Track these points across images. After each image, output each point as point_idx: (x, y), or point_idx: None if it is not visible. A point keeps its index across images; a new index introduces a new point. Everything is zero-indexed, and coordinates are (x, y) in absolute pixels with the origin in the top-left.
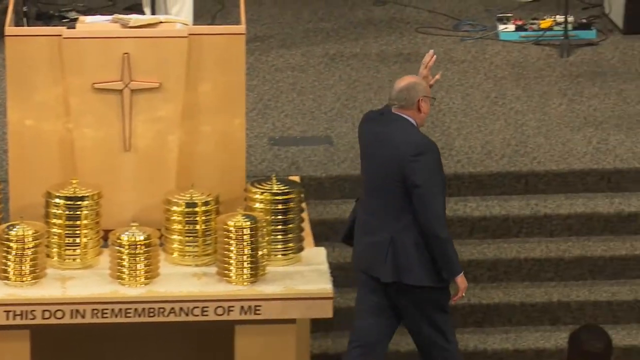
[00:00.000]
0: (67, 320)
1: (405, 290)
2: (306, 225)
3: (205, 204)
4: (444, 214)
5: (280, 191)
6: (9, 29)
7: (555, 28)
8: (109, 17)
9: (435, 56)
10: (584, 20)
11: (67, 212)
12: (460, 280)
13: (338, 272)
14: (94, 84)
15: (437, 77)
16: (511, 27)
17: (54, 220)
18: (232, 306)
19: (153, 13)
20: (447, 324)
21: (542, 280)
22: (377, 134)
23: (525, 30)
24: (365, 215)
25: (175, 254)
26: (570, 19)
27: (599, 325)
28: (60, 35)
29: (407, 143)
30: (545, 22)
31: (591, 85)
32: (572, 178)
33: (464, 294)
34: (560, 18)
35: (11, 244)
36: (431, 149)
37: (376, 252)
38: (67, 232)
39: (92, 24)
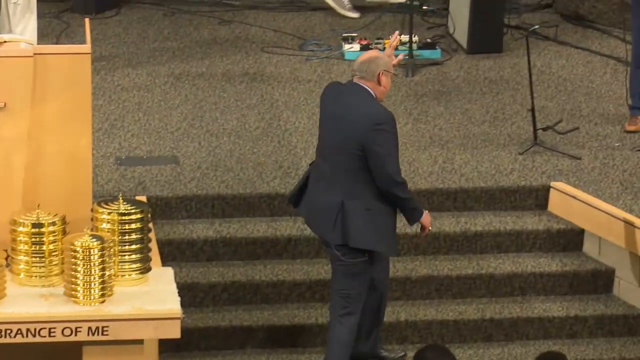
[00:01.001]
0: None
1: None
2: (153, 245)
3: (52, 224)
4: (399, 169)
5: (127, 211)
6: None
7: (400, 47)
8: None
9: (400, 37)
10: (429, 40)
11: None
12: (426, 220)
13: (185, 292)
14: None
15: (400, 57)
16: (356, 46)
17: None
18: (80, 327)
19: None
20: (352, 298)
21: (390, 300)
22: (338, 102)
23: (370, 49)
24: (318, 179)
25: (22, 275)
26: (415, 38)
27: (444, 344)
28: None
29: (368, 114)
30: None
31: (436, 104)
32: (418, 197)
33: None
34: (405, 37)
35: None
36: (390, 118)
37: (327, 215)
38: None
39: None
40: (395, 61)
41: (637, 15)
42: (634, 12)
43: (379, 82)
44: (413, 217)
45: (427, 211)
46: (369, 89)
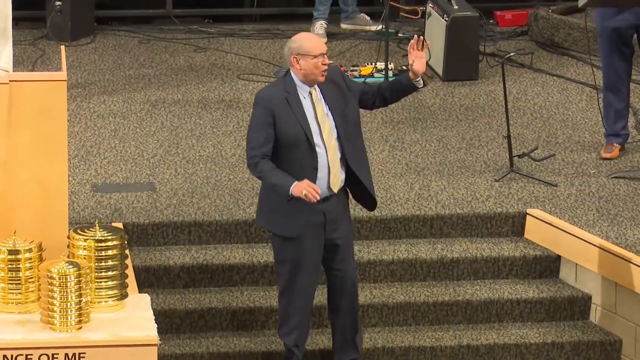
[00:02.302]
0: None
1: None
2: (130, 271)
3: (28, 250)
4: (253, 150)
5: (104, 238)
6: None
7: (376, 75)
8: None
9: (421, 38)
10: (405, 67)
11: None
12: (295, 190)
13: (162, 319)
14: None
15: (414, 38)
16: None
17: None
18: (57, 353)
19: None
20: (279, 275)
21: (367, 326)
22: None
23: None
24: None
25: None
26: (391, 65)
27: None
28: None
29: None
30: (366, 69)
31: (412, 131)
32: (395, 224)
33: (307, 195)
34: (380, 65)
35: None
36: (261, 97)
37: None
38: None
39: None
40: (413, 42)
41: (604, 41)
42: (601, 37)
43: (296, 65)
44: (279, 193)
45: (298, 182)
46: (291, 73)
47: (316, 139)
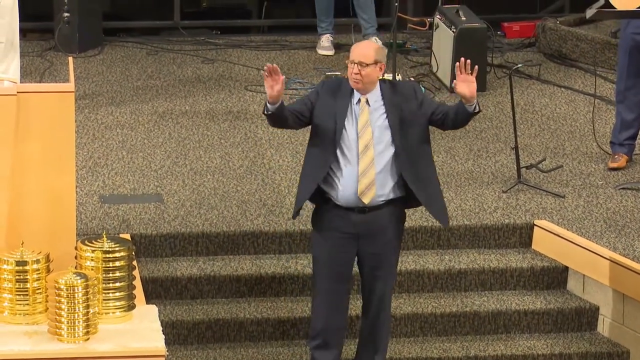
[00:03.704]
0: None
1: None
2: (137, 283)
3: (36, 262)
4: None
5: (111, 249)
6: None
7: None
8: None
9: (468, 62)
10: (412, 79)
11: None
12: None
13: (170, 330)
14: None
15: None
16: None
17: None
18: None
19: None
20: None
21: None
22: None
23: None
24: None
25: (6, 313)
26: (399, 76)
27: None
28: None
29: None
30: None
31: None
32: (403, 235)
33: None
34: (388, 76)
35: None
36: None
37: None
38: None
39: None
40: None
41: (624, 50)
42: (622, 46)
43: None
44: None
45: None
46: None
47: (347, 144)
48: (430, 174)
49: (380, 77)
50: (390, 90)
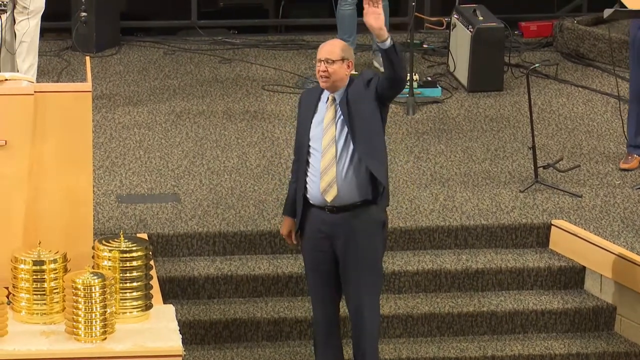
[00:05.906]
0: None
1: None
2: (155, 282)
3: (53, 261)
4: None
5: (128, 249)
6: None
7: None
8: None
9: None
10: (429, 78)
11: None
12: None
13: (187, 330)
14: None
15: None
16: None
17: None
18: None
19: None
20: None
21: (391, 337)
22: None
23: None
24: None
25: (24, 312)
26: (416, 76)
27: None
28: None
29: None
30: None
31: (437, 142)
32: (419, 235)
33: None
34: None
35: None
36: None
37: None
38: None
39: None
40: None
41: (635, 49)
42: (632, 45)
43: None
44: None
45: (287, 219)
46: None
47: (315, 144)
48: (380, 152)
49: (349, 75)
50: (352, 84)
